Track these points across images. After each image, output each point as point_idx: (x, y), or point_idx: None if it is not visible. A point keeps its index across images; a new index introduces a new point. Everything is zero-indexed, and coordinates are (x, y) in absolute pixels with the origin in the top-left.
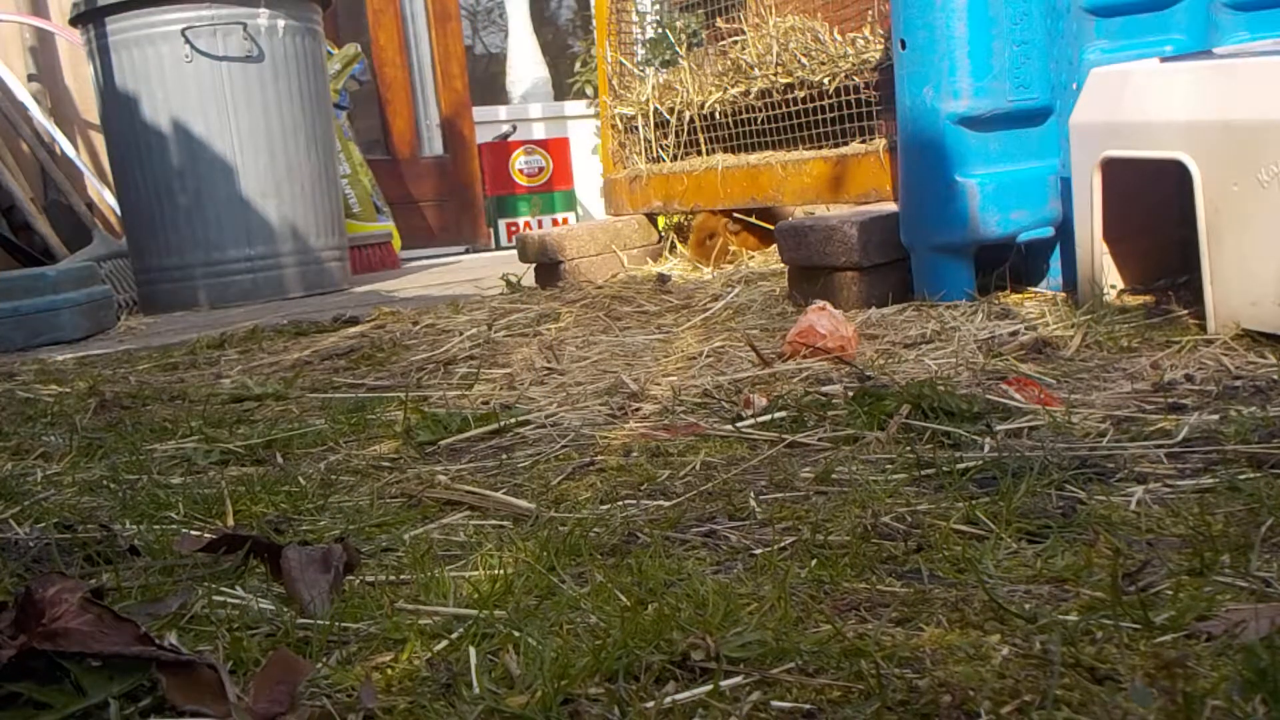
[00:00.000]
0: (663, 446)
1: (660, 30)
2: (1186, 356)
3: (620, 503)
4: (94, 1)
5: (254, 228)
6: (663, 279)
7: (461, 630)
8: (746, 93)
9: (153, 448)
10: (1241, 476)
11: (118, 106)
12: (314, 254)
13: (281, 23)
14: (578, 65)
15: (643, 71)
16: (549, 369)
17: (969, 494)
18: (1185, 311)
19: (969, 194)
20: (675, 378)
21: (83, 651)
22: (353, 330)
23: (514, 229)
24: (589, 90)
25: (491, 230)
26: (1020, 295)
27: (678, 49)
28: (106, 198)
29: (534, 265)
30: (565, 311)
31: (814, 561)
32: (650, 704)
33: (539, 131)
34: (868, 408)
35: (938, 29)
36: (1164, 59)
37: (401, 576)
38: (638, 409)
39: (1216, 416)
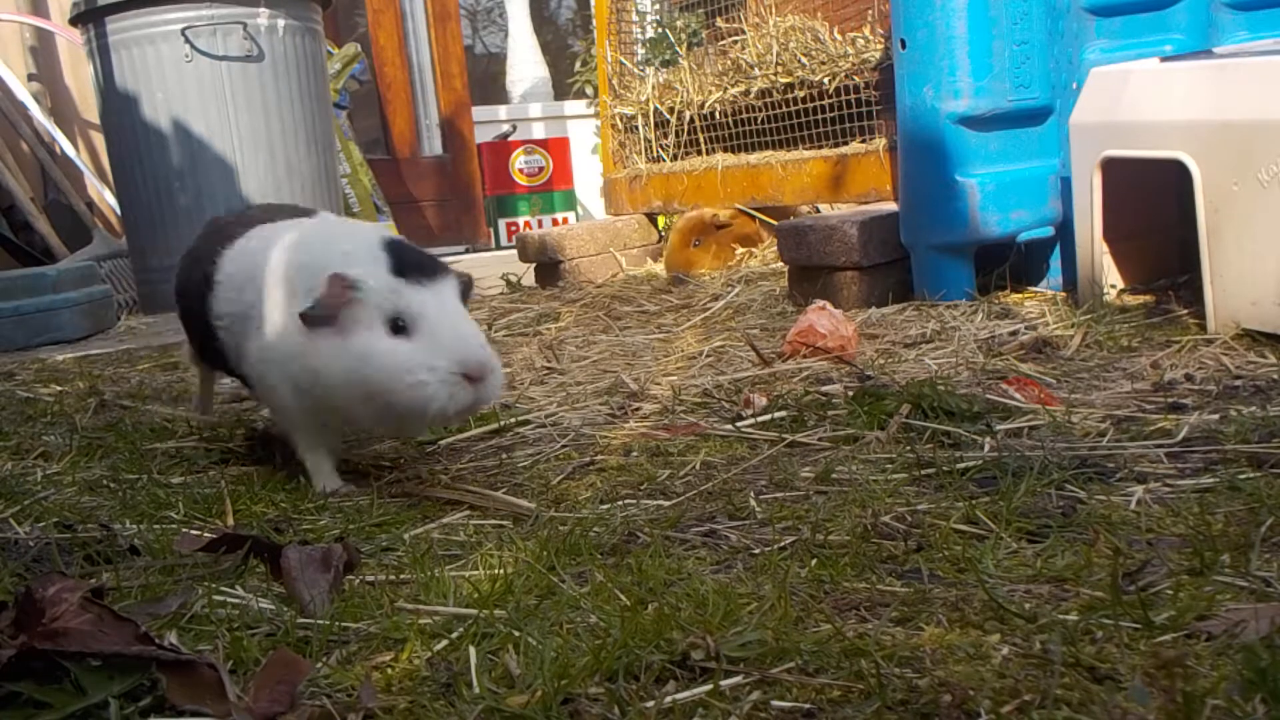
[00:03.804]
0: (663, 446)
1: (660, 30)
2: (1186, 356)
3: (620, 502)
4: (94, 1)
5: None
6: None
7: (461, 630)
8: (746, 92)
9: (153, 448)
10: (1241, 476)
11: (118, 106)
12: None
13: (281, 22)
14: (578, 65)
15: (643, 71)
16: (549, 368)
17: (969, 494)
18: (1185, 311)
19: (969, 193)
20: (675, 377)
21: (83, 651)
22: None
23: (514, 229)
24: (589, 90)
25: (491, 230)
26: (1020, 295)
27: (678, 49)
28: (106, 197)
29: (534, 265)
30: (565, 311)
31: (814, 561)
32: (650, 703)
33: (539, 131)
34: (868, 407)
35: (938, 28)
36: (1164, 59)
37: (401, 576)
38: (638, 408)
39: (1216, 416)
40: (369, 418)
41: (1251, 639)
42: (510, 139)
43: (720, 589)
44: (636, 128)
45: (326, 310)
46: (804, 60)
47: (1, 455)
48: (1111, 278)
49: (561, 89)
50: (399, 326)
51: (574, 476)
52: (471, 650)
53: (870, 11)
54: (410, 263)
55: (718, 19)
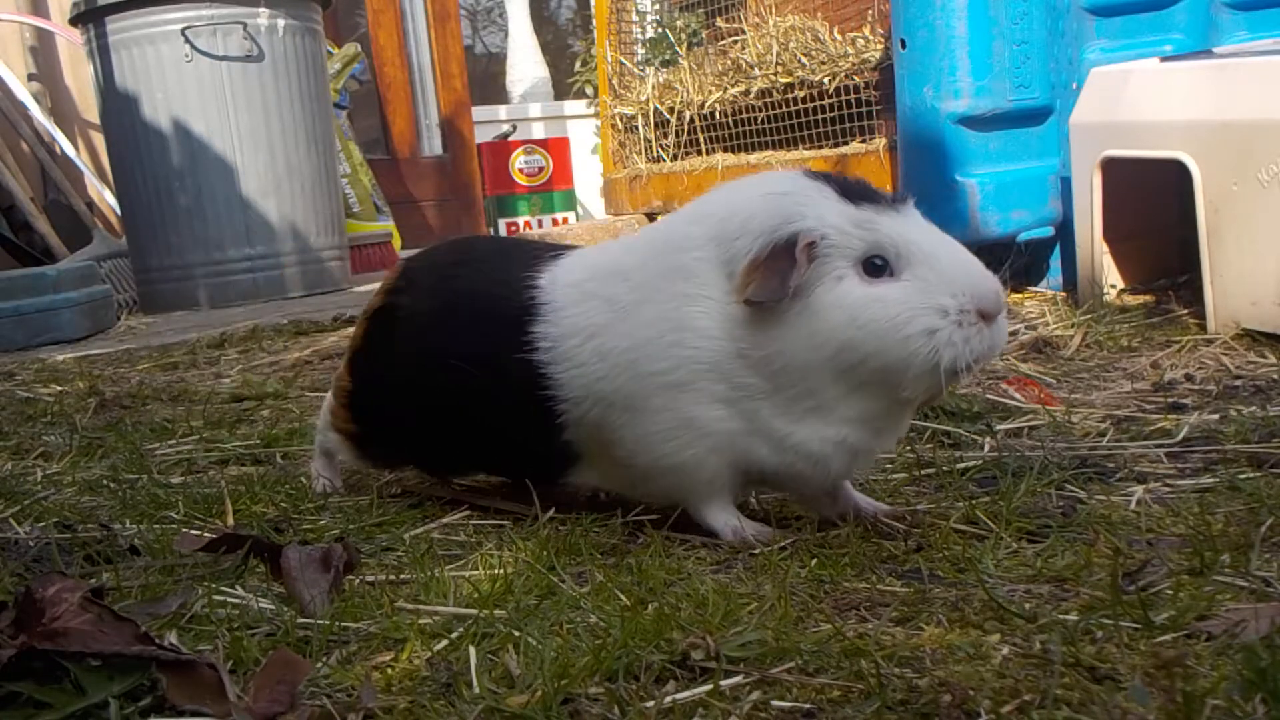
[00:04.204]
0: None
1: (660, 30)
2: (1186, 356)
3: (620, 502)
4: (94, 1)
5: (254, 227)
6: None
7: (461, 630)
8: (746, 92)
9: (153, 447)
10: (1241, 476)
11: (118, 106)
12: (314, 253)
13: (281, 22)
14: (578, 65)
15: (643, 71)
16: None
17: (969, 494)
18: (1185, 311)
19: (969, 193)
20: None
21: (83, 651)
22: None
23: (514, 228)
24: (589, 90)
25: (491, 230)
26: (1020, 295)
27: (678, 49)
28: (106, 197)
29: None
30: None
31: (814, 561)
32: (650, 703)
33: (539, 131)
34: None
35: (938, 28)
36: (1164, 59)
37: (401, 576)
38: None
39: (1216, 416)
40: (841, 396)
41: (1251, 639)
42: (510, 139)
43: (720, 589)
44: (636, 128)
45: (782, 285)
46: (804, 60)
47: (1, 455)
48: (1111, 278)
49: (561, 89)
50: (877, 266)
51: None
52: (471, 650)
53: (870, 11)
54: (862, 186)
55: (718, 19)
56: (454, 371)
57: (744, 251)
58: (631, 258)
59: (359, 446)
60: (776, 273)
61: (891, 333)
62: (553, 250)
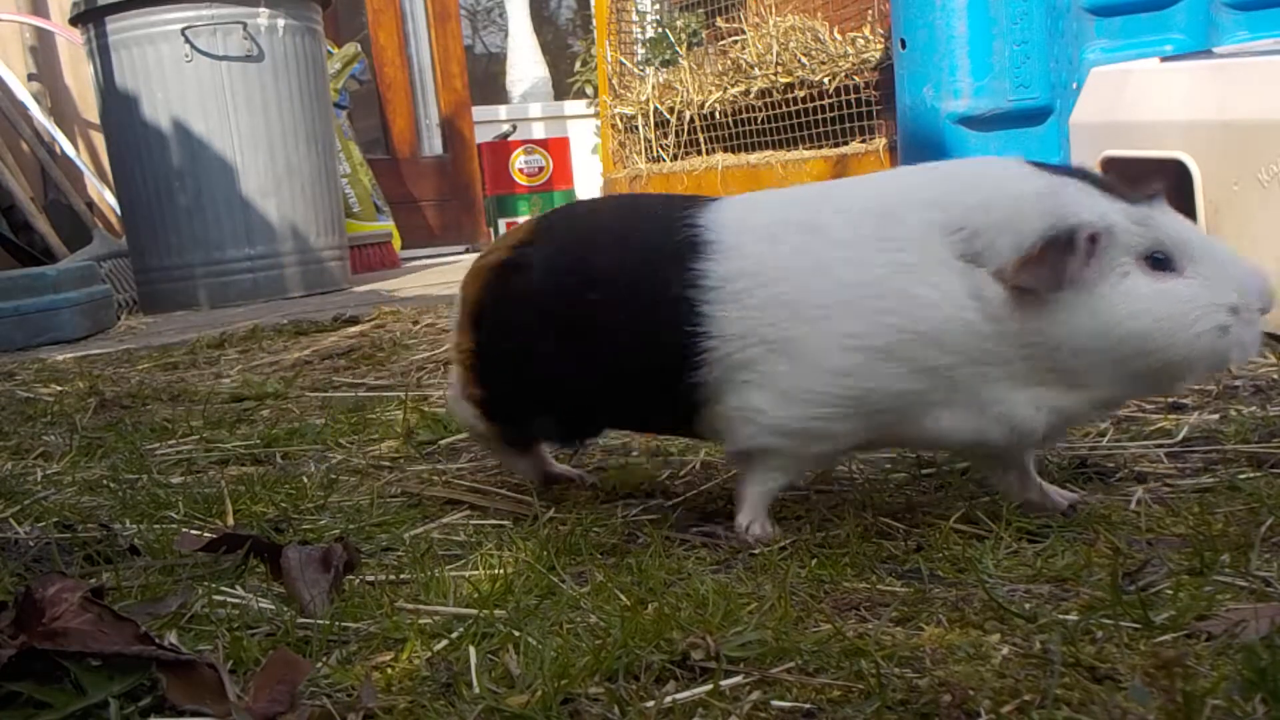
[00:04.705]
0: (663, 446)
1: (660, 30)
2: None
3: (620, 502)
4: (94, 1)
5: (254, 227)
6: None
7: (461, 630)
8: (746, 92)
9: (153, 447)
10: (1241, 476)
11: (118, 106)
12: (314, 253)
13: (281, 22)
14: (578, 65)
15: (643, 71)
16: None
17: (969, 494)
18: None
19: None
20: None
21: (83, 651)
22: (353, 330)
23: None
24: (589, 90)
25: (491, 230)
26: None
27: (678, 49)
28: (106, 197)
29: None
30: None
31: (814, 561)
32: (650, 703)
33: (539, 131)
34: None
35: (938, 28)
36: (1164, 59)
37: (401, 576)
38: None
39: (1216, 416)
40: (1108, 383)
41: (1251, 639)
42: (510, 139)
43: (720, 589)
44: (636, 128)
45: (1058, 276)
46: (804, 60)
47: (1, 455)
48: None
49: (561, 89)
50: (1159, 261)
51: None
52: (471, 650)
53: (870, 11)
54: (1114, 182)
55: (718, 19)
56: (589, 310)
57: (1009, 246)
58: (834, 217)
59: (488, 412)
60: (1053, 264)
61: (1185, 329)
62: (687, 199)
